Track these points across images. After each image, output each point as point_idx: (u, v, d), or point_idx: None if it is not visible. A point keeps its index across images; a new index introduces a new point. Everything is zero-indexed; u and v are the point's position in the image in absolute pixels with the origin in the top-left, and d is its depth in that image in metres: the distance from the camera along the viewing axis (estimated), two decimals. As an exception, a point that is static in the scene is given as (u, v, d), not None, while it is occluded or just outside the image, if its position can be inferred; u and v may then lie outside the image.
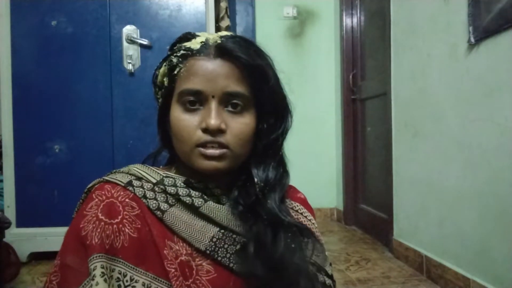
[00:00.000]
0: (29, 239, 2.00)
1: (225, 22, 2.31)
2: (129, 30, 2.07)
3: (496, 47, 1.36)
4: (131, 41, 2.06)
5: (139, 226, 0.58)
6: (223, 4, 2.29)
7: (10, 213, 1.98)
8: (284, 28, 3.11)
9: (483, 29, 1.40)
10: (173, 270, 0.56)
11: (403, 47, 2.04)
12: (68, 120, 2.06)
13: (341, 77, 2.94)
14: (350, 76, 2.85)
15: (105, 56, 2.07)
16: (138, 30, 2.08)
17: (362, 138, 2.79)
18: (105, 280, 0.53)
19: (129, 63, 2.06)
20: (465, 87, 1.53)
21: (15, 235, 1.96)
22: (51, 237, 1.98)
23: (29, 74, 2.05)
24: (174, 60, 0.61)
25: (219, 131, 0.58)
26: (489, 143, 1.40)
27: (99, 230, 0.56)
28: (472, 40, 1.45)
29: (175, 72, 0.61)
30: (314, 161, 3.07)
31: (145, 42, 2.06)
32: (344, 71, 2.91)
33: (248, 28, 3.06)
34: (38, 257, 2.05)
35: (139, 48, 2.08)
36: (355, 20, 2.87)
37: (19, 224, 2.01)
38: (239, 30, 3.04)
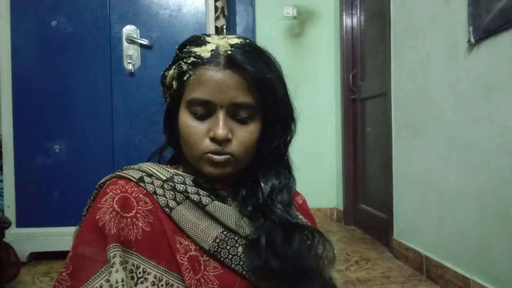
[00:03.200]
0: (29, 239, 2.00)
1: (220, 22, 2.30)
2: (129, 30, 2.07)
3: (496, 47, 1.36)
4: (131, 41, 2.06)
5: (152, 220, 0.60)
6: (219, 4, 2.27)
7: (10, 213, 1.98)
8: (284, 28, 3.11)
9: (483, 29, 1.40)
10: (185, 263, 0.58)
11: (403, 47, 2.04)
12: (68, 120, 2.06)
13: (341, 77, 2.94)
14: (350, 76, 2.85)
15: (105, 56, 2.07)
16: (138, 30, 2.08)
17: (362, 138, 2.79)
18: (123, 269, 0.55)
19: (129, 63, 2.06)
20: (465, 87, 1.53)
21: (15, 235, 1.96)
22: (51, 237, 1.98)
23: (29, 74, 2.04)
24: (184, 66, 0.62)
25: (226, 140, 0.60)
26: (488, 143, 1.40)
27: (116, 221, 0.57)
28: (472, 40, 1.45)
29: (185, 78, 0.62)
30: (314, 161, 3.07)
31: (145, 42, 2.06)
32: (344, 71, 2.91)
33: (248, 28, 3.06)
34: (38, 257, 2.05)
35: (139, 48, 2.08)
36: (355, 20, 2.87)
37: (19, 224, 2.01)
38: (239, 30, 3.04)
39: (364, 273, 1.87)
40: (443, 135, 1.69)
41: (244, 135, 0.61)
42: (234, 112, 0.61)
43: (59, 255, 1.94)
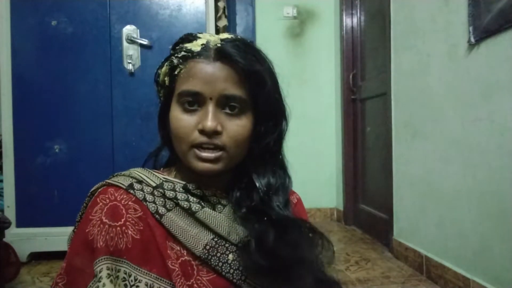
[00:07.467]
0: (29, 239, 2.00)
1: (223, 22, 2.31)
2: (129, 30, 2.07)
3: (496, 47, 1.36)
4: (131, 41, 2.06)
5: (142, 228, 0.60)
6: (221, 4, 2.28)
7: (10, 213, 1.98)
8: (284, 28, 3.10)
9: (483, 29, 1.40)
10: (176, 268, 0.58)
11: (403, 47, 2.04)
12: (68, 120, 2.06)
13: (341, 77, 2.94)
14: (350, 76, 2.85)
15: (105, 56, 2.07)
16: (138, 30, 2.08)
17: (362, 138, 2.79)
18: (111, 281, 0.55)
19: (129, 63, 2.06)
20: (465, 87, 1.53)
21: (15, 235, 1.96)
22: (51, 237, 1.98)
23: (29, 74, 2.04)
24: (175, 61, 0.62)
25: (215, 133, 0.59)
26: (488, 143, 1.40)
27: (103, 233, 0.57)
28: (472, 40, 1.45)
29: (176, 72, 0.62)
30: (314, 161, 3.07)
31: (145, 42, 2.06)
32: (344, 71, 2.91)
33: (248, 28, 3.06)
34: (38, 257, 2.05)
35: (139, 48, 2.08)
36: (355, 20, 2.87)
37: (19, 224, 2.01)
38: (239, 30, 3.04)
39: (364, 273, 1.87)
40: (443, 135, 1.69)
41: (234, 128, 0.61)
42: (224, 105, 0.60)
43: (59, 255, 1.94)
